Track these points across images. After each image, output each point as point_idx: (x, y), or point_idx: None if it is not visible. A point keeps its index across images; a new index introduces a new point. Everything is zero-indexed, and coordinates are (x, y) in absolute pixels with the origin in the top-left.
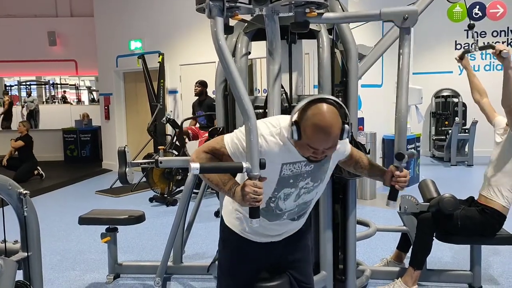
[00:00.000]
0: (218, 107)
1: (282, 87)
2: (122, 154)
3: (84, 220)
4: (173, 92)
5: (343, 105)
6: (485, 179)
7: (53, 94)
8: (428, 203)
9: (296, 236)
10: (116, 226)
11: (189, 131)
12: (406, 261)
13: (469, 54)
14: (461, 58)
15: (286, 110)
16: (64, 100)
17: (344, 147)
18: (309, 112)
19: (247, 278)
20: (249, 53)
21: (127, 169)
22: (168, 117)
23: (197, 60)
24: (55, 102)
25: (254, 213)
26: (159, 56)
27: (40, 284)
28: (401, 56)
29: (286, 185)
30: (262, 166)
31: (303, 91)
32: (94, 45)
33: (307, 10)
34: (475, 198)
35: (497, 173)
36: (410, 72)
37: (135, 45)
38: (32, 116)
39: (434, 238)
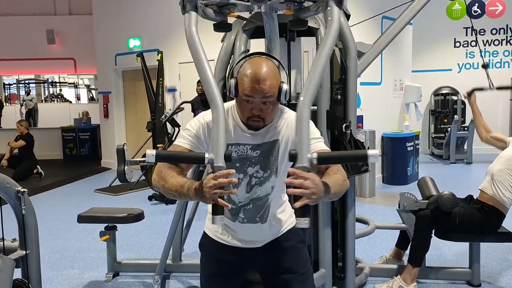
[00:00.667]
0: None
1: None
2: (120, 152)
3: (83, 219)
4: (172, 90)
5: (282, 65)
6: (489, 175)
7: (52, 92)
8: (427, 201)
9: (282, 244)
10: (115, 224)
11: None
12: (405, 259)
13: (479, 92)
14: (469, 95)
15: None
16: (62, 97)
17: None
18: (246, 64)
19: (222, 282)
20: (248, 50)
21: (125, 167)
22: (167, 115)
23: None
24: (54, 100)
25: (216, 208)
26: (158, 54)
27: (39, 282)
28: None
29: (233, 168)
30: (227, 158)
31: (302, 88)
32: (93, 43)
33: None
34: (474, 197)
35: (504, 171)
36: (409, 70)
37: (133, 43)
38: (31, 114)
39: (432, 235)
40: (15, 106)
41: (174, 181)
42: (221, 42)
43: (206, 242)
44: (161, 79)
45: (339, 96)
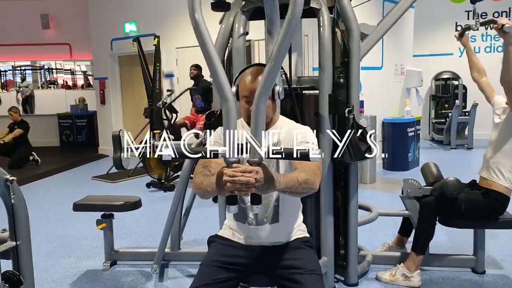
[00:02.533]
0: (215, 89)
1: (282, 68)
2: (117, 139)
3: (78, 207)
4: (170, 75)
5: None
6: (485, 160)
7: (48, 79)
8: (431, 187)
9: (290, 245)
10: (112, 212)
11: (187, 121)
12: (408, 246)
13: (469, 31)
14: (460, 36)
15: (285, 92)
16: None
17: (297, 136)
18: (243, 73)
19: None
20: (247, 33)
21: (122, 154)
22: (165, 101)
23: (193, 43)
24: (50, 87)
25: (230, 199)
26: (154, 39)
27: (31, 274)
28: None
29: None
30: (241, 151)
31: (303, 72)
32: (88, 28)
33: None
34: (477, 181)
35: (497, 154)
36: (410, 54)
37: (130, 27)
38: (28, 101)
39: (437, 222)
40: (10, 93)
41: (199, 180)
42: (219, 24)
43: (216, 238)
44: (158, 64)
45: (341, 80)
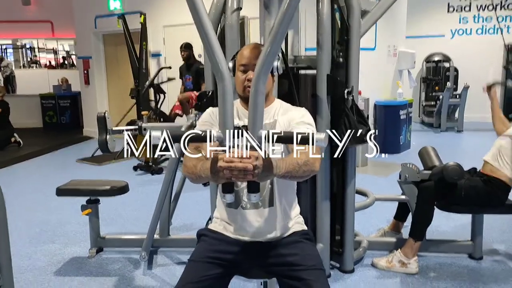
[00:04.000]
0: (206, 69)
1: None
2: (102, 120)
3: (62, 192)
4: (157, 55)
5: None
6: (494, 147)
7: (30, 58)
8: (430, 171)
9: (287, 239)
10: (98, 197)
11: (177, 111)
12: (404, 231)
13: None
14: (489, 88)
15: (282, 72)
16: (38, 63)
17: (295, 118)
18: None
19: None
20: (241, 8)
21: (107, 136)
22: (149, 83)
23: (181, 20)
24: (32, 67)
25: (227, 186)
26: (140, 17)
27: (8, 267)
28: None
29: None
30: (238, 135)
31: (299, 51)
32: (71, 5)
33: None
34: (477, 170)
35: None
36: (403, 35)
37: (114, 4)
38: (8, 81)
39: (435, 208)
40: None
41: (191, 164)
42: None
43: (206, 232)
44: (144, 43)
45: (340, 59)
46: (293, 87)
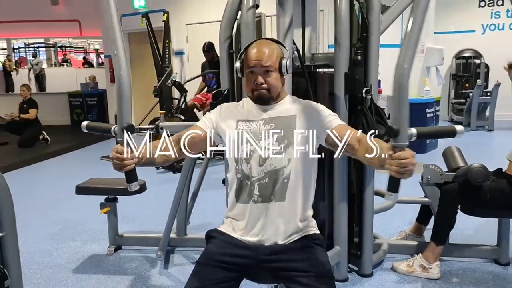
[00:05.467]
0: (222, 67)
1: (294, 43)
2: None
3: (81, 190)
4: (180, 53)
5: (283, 44)
6: None
7: (62, 57)
8: (454, 173)
9: (296, 244)
10: (116, 196)
11: (196, 102)
12: (426, 234)
13: None
14: (510, 67)
15: (298, 70)
16: (69, 62)
17: (321, 112)
18: (249, 47)
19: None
20: (257, 6)
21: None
22: (174, 79)
23: (204, 18)
24: (63, 65)
25: (128, 177)
26: (163, 15)
27: (17, 267)
28: None
29: (244, 140)
30: (128, 129)
31: (317, 49)
32: (98, 4)
33: None
34: (503, 170)
35: None
36: (431, 31)
37: (138, 3)
38: (39, 79)
39: (458, 211)
40: (24, 71)
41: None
42: None
43: (215, 233)
44: (167, 41)
45: (359, 57)
46: (309, 86)
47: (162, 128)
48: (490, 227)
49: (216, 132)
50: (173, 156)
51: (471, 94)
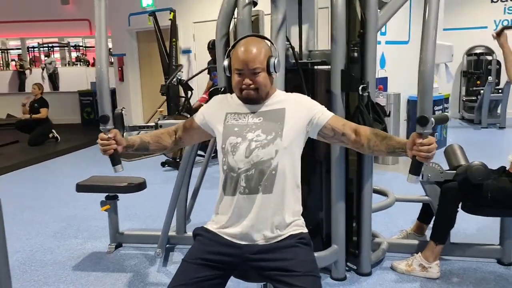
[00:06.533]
0: (219, 64)
1: (288, 40)
2: (119, 117)
3: (82, 188)
4: (187, 51)
5: (272, 42)
6: None
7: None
8: (454, 171)
9: (282, 243)
10: (116, 194)
11: (202, 103)
12: (428, 233)
13: (509, 30)
14: (498, 35)
15: (293, 67)
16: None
17: (311, 105)
18: (236, 44)
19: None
20: (256, 3)
21: (124, 133)
22: (179, 78)
23: (211, 16)
24: (76, 64)
25: (112, 160)
26: (170, 13)
27: (6, 275)
28: None
29: (231, 133)
30: (102, 119)
31: (315, 46)
32: (108, 3)
33: None
34: (506, 168)
35: None
36: (440, 28)
37: (146, 2)
38: (52, 78)
39: (459, 209)
40: (37, 70)
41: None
42: None
43: (202, 231)
44: (174, 39)
45: (355, 54)
46: (303, 83)
47: (161, 126)
48: (493, 226)
49: (207, 124)
50: (168, 141)
51: (482, 91)
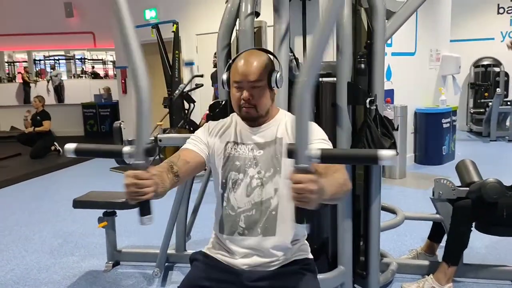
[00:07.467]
0: (220, 77)
1: (292, 51)
2: (117, 131)
3: (79, 204)
4: (190, 63)
5: (275, 55)
6: None
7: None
8: (467, 188)
9: (286, 269)
10: (114, 210)
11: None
12: (439, 253)
13: None
14: None
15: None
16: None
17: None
18: (237, 58)
19: None
20: (258, 14)
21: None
22: (180, 90)
23: (214, 28)
24: (82, 76)
25: (142, 208)
26: (173, 25)
27: None
28: None
29: (233, 167)
30: (148, 152)
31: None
32: (110, 15)
33: None
34: None
35: None
36: (447, 39)
37: (150, 14)
38: (57, 91)
39: (472, 229)
40: (43, 83)
41: None
42: (225, 3)
43: (199, 256)
44: (177, 52)
45: (363, 65)
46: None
47: (160, 140)
48: (508, 246)
49: (201, 148)
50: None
51: (490, 103)
